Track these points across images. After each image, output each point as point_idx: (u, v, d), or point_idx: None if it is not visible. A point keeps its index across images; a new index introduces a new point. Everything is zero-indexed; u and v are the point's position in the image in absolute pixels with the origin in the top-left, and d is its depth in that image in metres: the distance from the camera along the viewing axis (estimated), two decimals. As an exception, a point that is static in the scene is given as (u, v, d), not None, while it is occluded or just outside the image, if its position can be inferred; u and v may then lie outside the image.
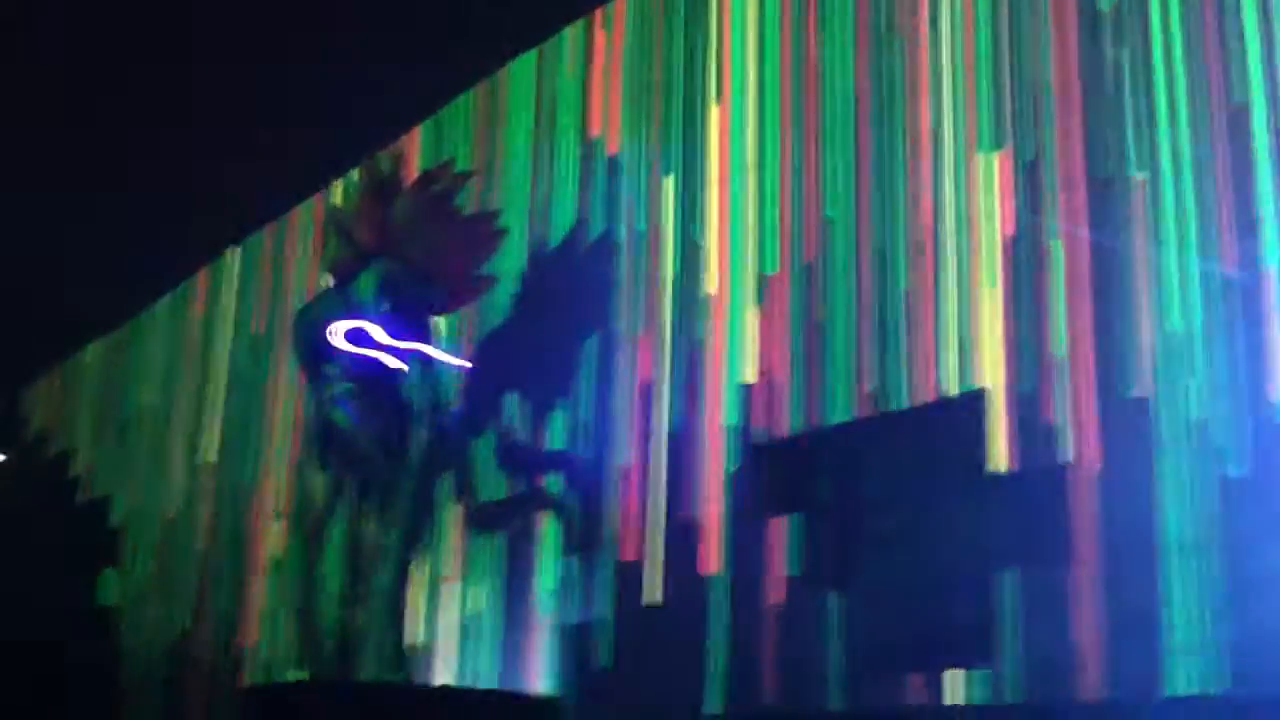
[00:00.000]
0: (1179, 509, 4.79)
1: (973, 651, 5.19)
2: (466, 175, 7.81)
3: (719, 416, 6.49)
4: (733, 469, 6.36)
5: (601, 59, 8.08)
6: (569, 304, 7.59)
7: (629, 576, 6.60)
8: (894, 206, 6.13)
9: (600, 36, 8.15)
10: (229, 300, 11.17)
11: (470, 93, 8.87)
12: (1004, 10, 5.92)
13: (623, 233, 7.44)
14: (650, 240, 7.25)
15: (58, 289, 13.25)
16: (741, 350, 6.53)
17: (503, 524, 7.41)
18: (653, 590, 6.50)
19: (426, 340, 7.21)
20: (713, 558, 6.28)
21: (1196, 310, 4.93)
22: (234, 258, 11.28)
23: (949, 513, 5.52)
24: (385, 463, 6.90)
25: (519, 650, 7.02)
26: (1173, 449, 4.84)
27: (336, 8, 8.67)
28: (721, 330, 6.68)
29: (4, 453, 15.13)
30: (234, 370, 10.74)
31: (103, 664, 10.99)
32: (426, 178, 7.52)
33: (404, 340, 6.96)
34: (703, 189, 7.05)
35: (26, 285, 13.32)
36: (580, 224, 7.74)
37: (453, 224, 7.37)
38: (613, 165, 7.67)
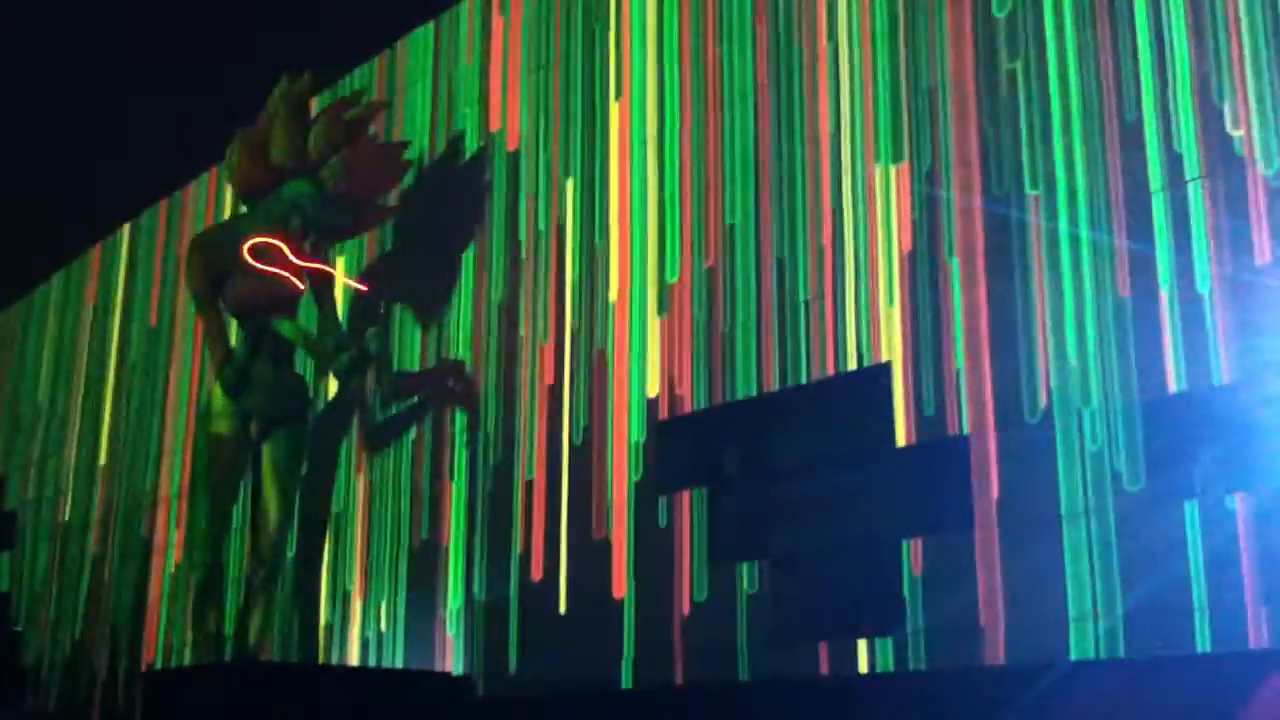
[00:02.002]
0: (1073, 479, 4.98)
1: (881, 620, 5.36)
2: (380, 105, 8.02)
3: (624, 431, 6.56)
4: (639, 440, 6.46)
5: (500, 43, 8.03)
6: (448, 218, 7.80)
7: (539, 589, 6.70)
8: (794, 215, 6.20)
9: (498, 21, 8.09)
10: (119, 287, 11.00)
11: (370, 68, 8.80)
12: (900, 19, 5.99)
13: (523, 232, 7.44)
14: (551, 242, 7.26)
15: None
16: (645, 361, 6.59)
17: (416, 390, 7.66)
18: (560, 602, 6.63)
19: (329, 261, 7.65)
20: (620, 580, 6.38)
21: (1089, 315, 5.09)
22: (124, 237, 11.09)
23: (856, 485, 5.71)
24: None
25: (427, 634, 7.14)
26: (1064, 426, 5.03)
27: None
28: (624, 339, 6.74)
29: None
30: (127, 364, 10.60)
31: (1, 648, 10.95)
32: (342, 103, 7.74)
33: (309, 260, 7.32)
34: (604, 192, 7.06)
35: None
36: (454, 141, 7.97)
37: (365, 150, 7.63)
38: (513, 161, 7.66)
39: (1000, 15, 5.65)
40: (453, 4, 8.38)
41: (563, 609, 6.53)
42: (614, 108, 7.20)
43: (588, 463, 6.63)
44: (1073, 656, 4.81)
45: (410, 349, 7.90)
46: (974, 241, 5.51)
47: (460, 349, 7.57)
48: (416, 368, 7.78)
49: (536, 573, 6.67)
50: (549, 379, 7.00)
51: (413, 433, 7.60)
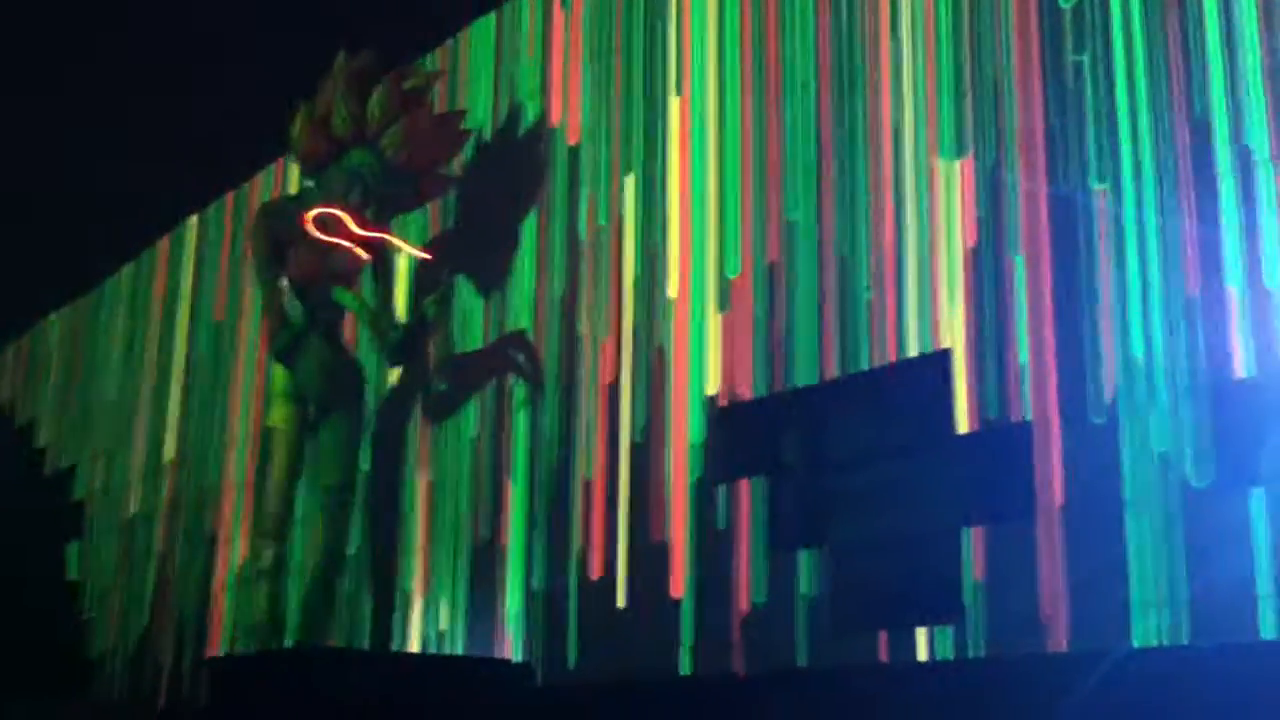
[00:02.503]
0: (1138, 467, 4.93)
1: (941, 608, 5.35)
2: (436, 75, 8.14)
3: (684, 431, 6.59)
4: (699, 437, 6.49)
5: (560, 36, 8.07)
6: (508, 191, 7.87)
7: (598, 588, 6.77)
8: (855, 210, 6.18)
9: (559, 14, 8.14)
10: (186, 281, 11.25)
11: (432, 59, 8.90)
12: (965, 9, 5.94)
13: (583, 228, 7.49)
14: (611, 239, 7.30)
15: (20, 258, 13.35)
16: (705, 358, 6.61)
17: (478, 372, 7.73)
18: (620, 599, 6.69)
19: (391, 234, 7.80)
20: (679, 580, 6.41)
21: (1156, 309, 5.03)
22: (192, 230, 11.34)
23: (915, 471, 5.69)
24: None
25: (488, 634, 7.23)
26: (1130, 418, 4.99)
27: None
28: (684, 336, 6.76)
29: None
30: (194, 359, 10.84)
31: (70, 635, 11.28)
32: (400, 74, 7.86)
33: (371, 230, 7.46)
34: (664, 187, 7.08)
35: (-12, 255, 13.43)
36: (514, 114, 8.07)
37: (424, 120, 7.75)
38: (573, 156, 7.71)
39: (1066, 6, 5.58)
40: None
41: (621, 605, 6.59)
42: (674, 102, 7.21)
43: (646, 461, 6.67)
44: (1135, 644, 4.78)
45: (473, 324, 7.99)
46: (1039, 236, 5.46)
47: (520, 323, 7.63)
48: (479, 341, 7.87)
49: (596, 571, 6.73)
50: (608, 376, 7.05)
51: (473, 430, 7.69)
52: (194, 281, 11.22)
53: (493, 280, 7.95)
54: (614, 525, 6.73)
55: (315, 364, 7.45)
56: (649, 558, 6.51)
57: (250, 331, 10.04)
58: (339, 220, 7.49)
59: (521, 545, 7.16)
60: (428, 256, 8.13)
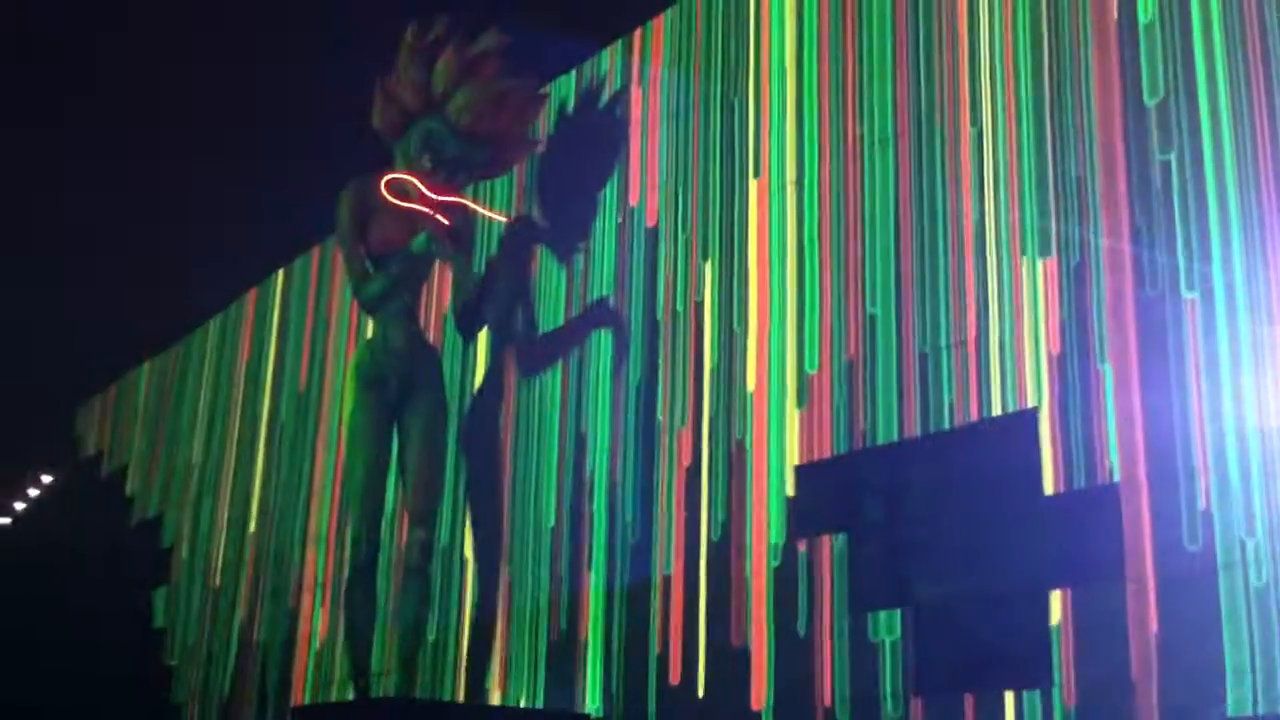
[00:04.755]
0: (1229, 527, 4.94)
1: (1029, 672, 5.38)
2: (504, 40, 8.43)
3: (764, 531, 6.69)
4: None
5: (638, 114, 8.26)
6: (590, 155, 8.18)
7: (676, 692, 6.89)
8: (936, 307, 6.24)
9: (636, 92, 8.32)
10: (272, 341, 11.66)
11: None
12: (1047, 103, 5.98)
13: (661, 312, 7.65)
14: (690, 325, 7.44)
15: (113, 305, 13.99)
16: (784, 456, 6.71)
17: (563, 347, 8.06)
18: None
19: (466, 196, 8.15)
20: (760, 692, 6.51)
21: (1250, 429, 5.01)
22: (276, 283, 11.78)
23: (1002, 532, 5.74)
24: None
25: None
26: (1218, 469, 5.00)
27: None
28: (763, 430, 6.87)
29: (58, 471, 16.08)
30: (278, 424, 11.23)
31: (155, 682, 11.76)
32: (466, 39, 8.15)
33: (446, 194, 7.78)
34: (742, 276, 7.21)
35: (81, 302, 14.11)
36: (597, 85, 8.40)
37: (490, 84, 8.02)
38: (651, 238, 7.88)
39: (1151, 103, 5.59)
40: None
41: (700, 714, 6.70)
42: (753, 185, 7.34)
43: (725, 560, 6.78)
44: (1229, 713, 4.76)
45: (554, 295, 8.20)
46: (1127, 345, 5.47)
47: (600, 424, 7.81)
48: (560, 314, 8.11)
49: (674, 677, 6.85)
50: (686, 467, 7.18)
51: (551, 519, 7.88)
52: (278, 344, 11.61)
53: (573, 251, 8.31)
54: (694, 627, 6.85)
55: (399, 349, 7.82)
56: (729, 662, 6.61)
57: (332, 400, 10.39)
58: (412, 185, 7.88)
59: (600, 643, 7.31)
60: (503, 217, 8.52)
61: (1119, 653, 5.13)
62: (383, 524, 7.85)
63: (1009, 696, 5.45)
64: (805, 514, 6.49)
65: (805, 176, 7.02)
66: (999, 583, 5.68)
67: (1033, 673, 5.39)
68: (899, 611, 5.95)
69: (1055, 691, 5.30)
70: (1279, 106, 5.20)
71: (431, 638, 8.28)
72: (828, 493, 6.47)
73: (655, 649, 6.97)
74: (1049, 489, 5.57)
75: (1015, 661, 5.50)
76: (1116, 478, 5.35)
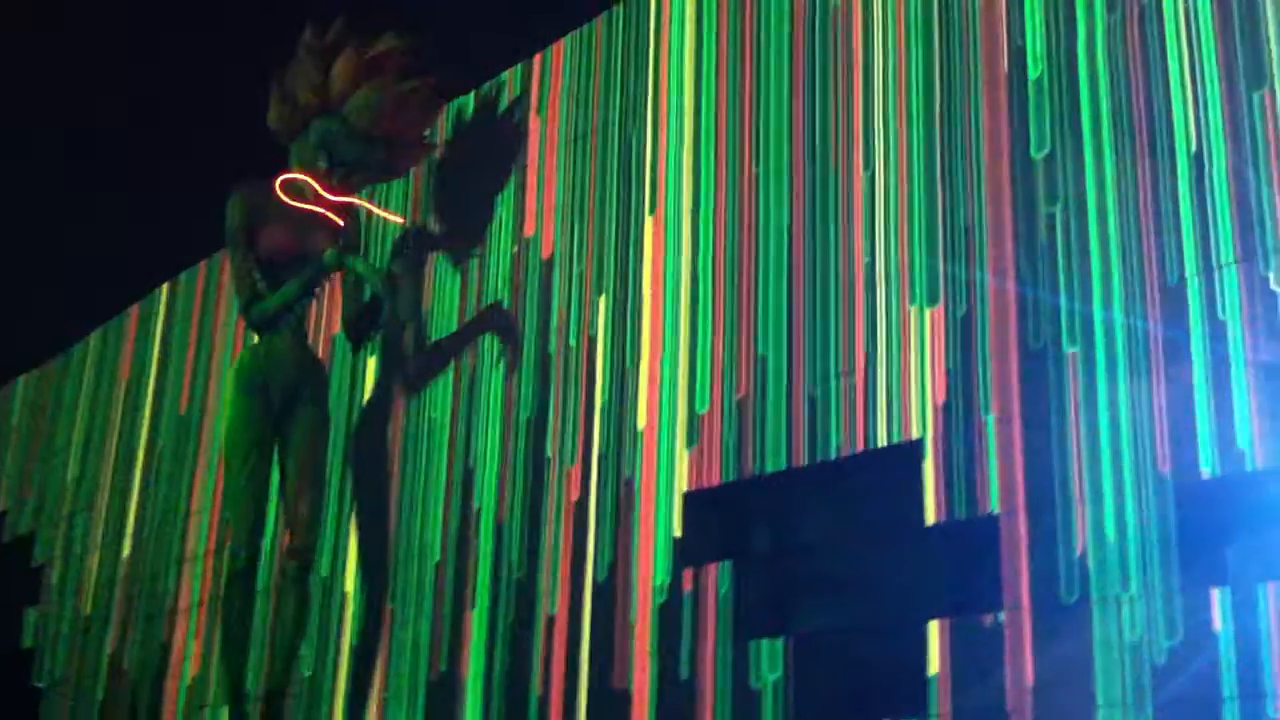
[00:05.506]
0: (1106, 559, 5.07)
1: (907, 701, 5.46)
2: (404, 42, 8.37)
3: (650, 571, 6.68)
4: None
5: (536, 145, 8.24)
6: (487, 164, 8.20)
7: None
8: (827, 351, 6.30)
9: (535, 122, 8.30)
10: (153, 356, 11.40)
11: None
12: (938, 152, 6.08)
13: (554, 345, 7.62)
14: (583, 360, 7.42)
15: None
16: (672, 496, 6.71)
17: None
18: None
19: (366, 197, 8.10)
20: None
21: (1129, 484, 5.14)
22: (162, 299, 11.52)
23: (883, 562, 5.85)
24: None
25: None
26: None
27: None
28: (652, 470, 6.87)
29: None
30: (156, 446, 10.96)
31: (21, 705, 11.41)
32: (363, 41, 8.08)
33: (340, 196, 7.72)
34: (636, 312, 7.21)
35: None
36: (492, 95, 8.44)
37: (390, 86, 7.96)
38: (546, 269, 7.85)
39: (1038, 156, 5.72)
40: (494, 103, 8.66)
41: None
42: (648, 220, 7.36)
43: (611, 599, 6.76)
44: None
45: (447, 299, 8.14)
46: (1010, 393, 5.57)
47: (489, 458, 7.75)
48: (454, 318, 8.11)
49: (555, 719, 6.81)
50: (574, 505, 7.15)
51: (437, 554, 7.79)
52: (160, 359, 11.35)
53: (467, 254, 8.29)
54: (575, 668, 6.81)
55: (283, 358, 7.73)
56: (610, 705, 6.58)
57: (213, 421, 10.17)
58: (308, 185, 7.82)
59: (480, 683, 7.23)
60: (400, 219, 8.48)
61: (995, 683, 5.22)
62: (263, 534, 7.74)
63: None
64: (692, 546, 6.52)
65: (700, 212, 7.06)
66: (879, 613, 5.79)
67: (909, 704, 5.46)
68: (781, 650, 5.98)
69: (931, 722, 5.37)
70: (1161, 162, 5.33)
71: (308, 672, 8.13)
72: (715, 523, 6.51)
73: (537, 690, 6.92)
74: (930, 520, 5.66)
75: (893, 692, 5.58)
76: (996, 510, 5.44)
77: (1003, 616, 5.27)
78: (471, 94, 8.73)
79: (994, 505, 5.47)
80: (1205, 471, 4.94)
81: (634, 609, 6.63)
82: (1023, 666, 5.19)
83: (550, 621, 7.00)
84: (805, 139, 6.65)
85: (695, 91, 7.28)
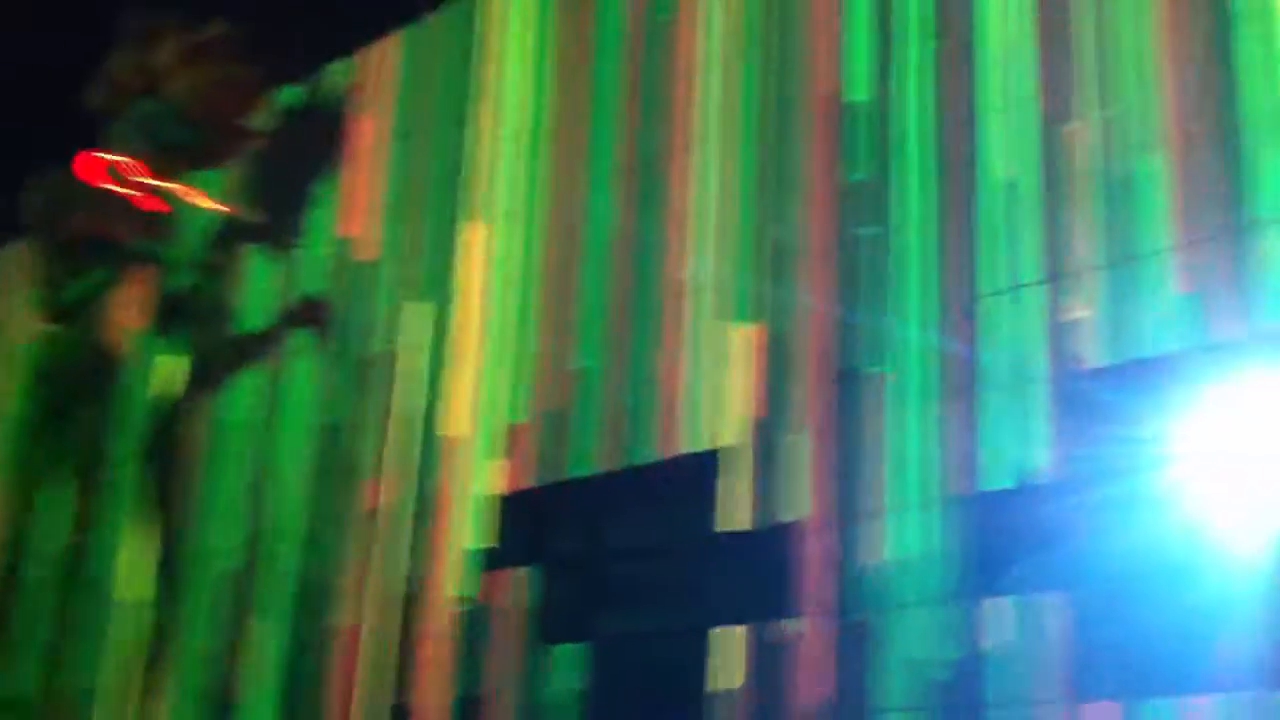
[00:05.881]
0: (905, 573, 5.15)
1: (699, 706, 5.48)
2: (231, 28, 8.05)
3: (450, 583, 6.53)
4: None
5: (362, 142, 8.05)
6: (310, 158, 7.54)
7: None
8: (644, 365, 6.29)
9: (362, 116, 8.12)
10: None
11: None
12: (764, 170, 6.15)
13: (366, 348, 7.42)
14: (393, 366, 7.24)
15: None
16: (479, 508, 6.59)
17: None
18: None
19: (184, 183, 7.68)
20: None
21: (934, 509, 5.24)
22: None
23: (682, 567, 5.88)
24: None
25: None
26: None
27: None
28: (460, 481, 6.73)
29: None
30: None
31: None
32: (188, 27, 7.76)
33: (161, 181, 7.33)
34: (452, 319, 7.08)
35: None
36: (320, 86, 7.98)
37: (215, 71, 7.64)
38: (363, 272, 7.66)
39: (854, 179, 5.83)
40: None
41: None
42: (471, 226, 7.25)
43: (410, 615, 6.58)
44: None
45: (259, 294, 7.85)
46: (824, 416, 5.63)
47: (290, 462, 7.49)
48: (263, 314, 7.76)
49: (345, 736, 6.58)
50: (375, 513, 6.95)
51: (229, 562, 7.47)
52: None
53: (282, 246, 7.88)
54: (370, 682, 6.59)
55: (81, 337, 7.27)
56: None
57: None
58: (121, 168, 7.42)
59: (270, 702, 6.95)
60: (225, 208, 8.10)
61: (789, 691, 5.27)
62: (39, 531, 7.28)
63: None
64: (497, 553, 6.43)
65: (525, 219, 6.99)
66: (681, 619, 5.78)
67: (707, 711, 5.48)
68: (584, 656, 5.95)
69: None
70: (979, 195, 5.48)
71: (83, 681, 7.66)
72: (521, 531, 6.43)
73: (328, 706, 6.68)
74: (734, 526, 5.69)
75: (691, 699, 5.57)
76: (799, 520, 5.50)
77: (800, 625, 5.29)
78: (298, 84, 8.49)
79: (797, 515, 5.51)
80: (998, 488, 5.05)
81: (433, 619, 6.47)
82: (817, 675, 5.23)
83: (344, 633, 6.77)
84: (635, 150, 6.65)
85: (526, 96, 7.23)
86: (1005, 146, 5.40)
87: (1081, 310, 5.08)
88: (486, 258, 7.09)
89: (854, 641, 5.18)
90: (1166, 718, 4.44)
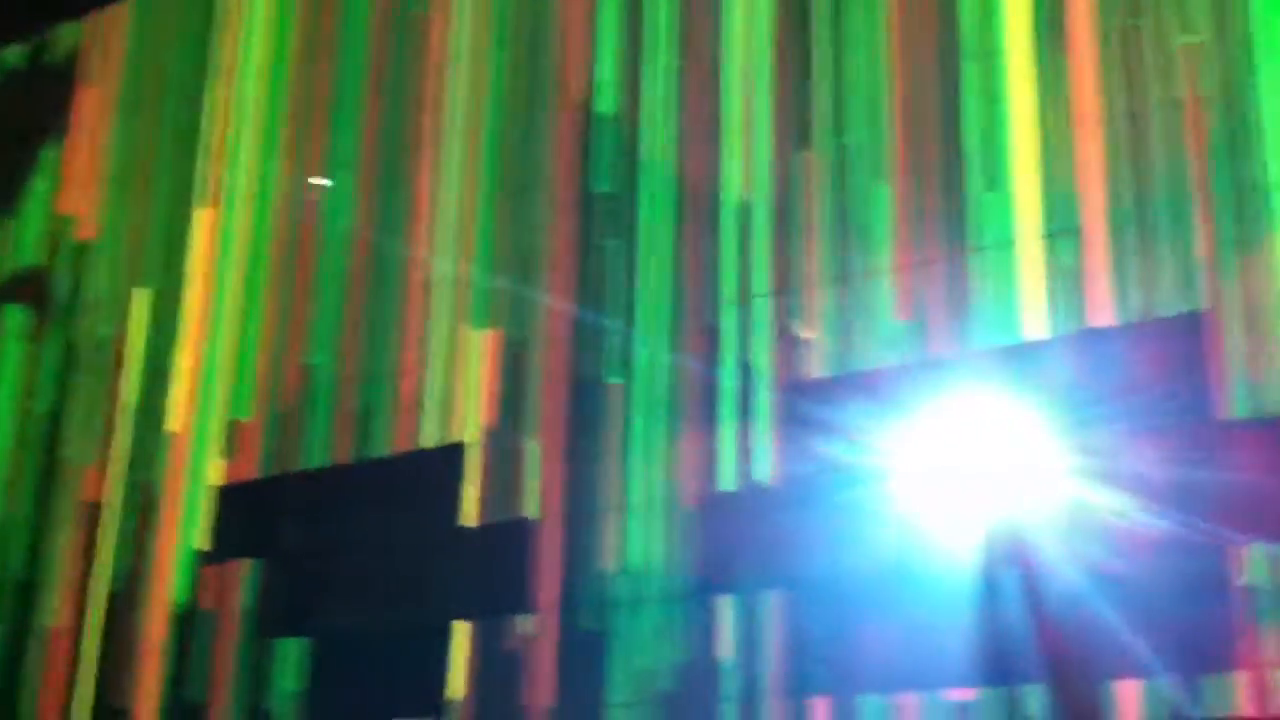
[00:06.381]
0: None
1: (423, 702, 5.49)
2: None
3: (165, 591, 6.29)
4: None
5: (85, 113, 7.62)
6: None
7: None
8: (380, 364, 6.19)
9: (86, 85, 7.69)
10: None
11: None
12: (505, 178, 6.13)
13: (83, 333, 7.04)
14: (113, 356, 6.89)
15: None
16: (199, 507, 6.36)
17: None
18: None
19: None
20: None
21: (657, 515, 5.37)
22: None
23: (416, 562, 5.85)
24: None
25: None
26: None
27: None
28: (181, 477, 6.48)
29: None
30: None
31: None
32: None
33: None
34: (179, 309, 6.79)
35: None
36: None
37: None
38: (81, 253, 7.26)
39: (598, 190, 5.88)
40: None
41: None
42: (202, 213, 6.96)
43: (123, 611, 6.30)
44: None
45: None
46: (558, 420, 5.66)
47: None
48: None
49: (44, 740, 6.26)
50: (89, 507, 6.62)
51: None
52: None
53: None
54: (79, 682, 6.29)
55: None
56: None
57: None
58: None
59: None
60: None
61: (517, 684, 5.34)
62: None
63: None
64: (218, 547, 6.26)
65: (258, 206, 6.76)
66: (408, 612, 5.77)
67: (431, 704, 5.49)
68: (305, 650, 5.86)
69: None
70: (718, 212, 5.60)
71: None
72: (244, 523, 6.28)
73: (29, 710, 6.33)
74: (468, 522, 5.70)
75: (414, 691, 5.58)
76: (533, 517, 5.56)
77: (530, 620, 5.37)
78: (16, 46, 7.96)
79: (528, 515, 5.54)
80: (726, 492, 5.21)
81: (151, 617, 6.21)
82: (544, 668, 5.31)
83: (58, 632, 6.43)
84: (377, 142, 6.51)
85: (266, 79, 6.98)
86: (744, 167, 5.54)
87: (808, 328, 5.28)
88: (215, 244, 6.83)
89: (584, 638, 5.26)
90: (875, 714, 4.70)
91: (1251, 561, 4.19)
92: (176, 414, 6.58)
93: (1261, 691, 4.08)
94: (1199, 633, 4.21)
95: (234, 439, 6.39)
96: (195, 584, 6.21)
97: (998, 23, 5.13)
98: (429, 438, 5.91)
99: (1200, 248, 4.53)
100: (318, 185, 7.25)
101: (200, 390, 6.57)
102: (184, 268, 6.85)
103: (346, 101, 6.71)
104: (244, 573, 6.11)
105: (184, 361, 6.65)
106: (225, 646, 6.03)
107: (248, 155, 6.89)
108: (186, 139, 7.12)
